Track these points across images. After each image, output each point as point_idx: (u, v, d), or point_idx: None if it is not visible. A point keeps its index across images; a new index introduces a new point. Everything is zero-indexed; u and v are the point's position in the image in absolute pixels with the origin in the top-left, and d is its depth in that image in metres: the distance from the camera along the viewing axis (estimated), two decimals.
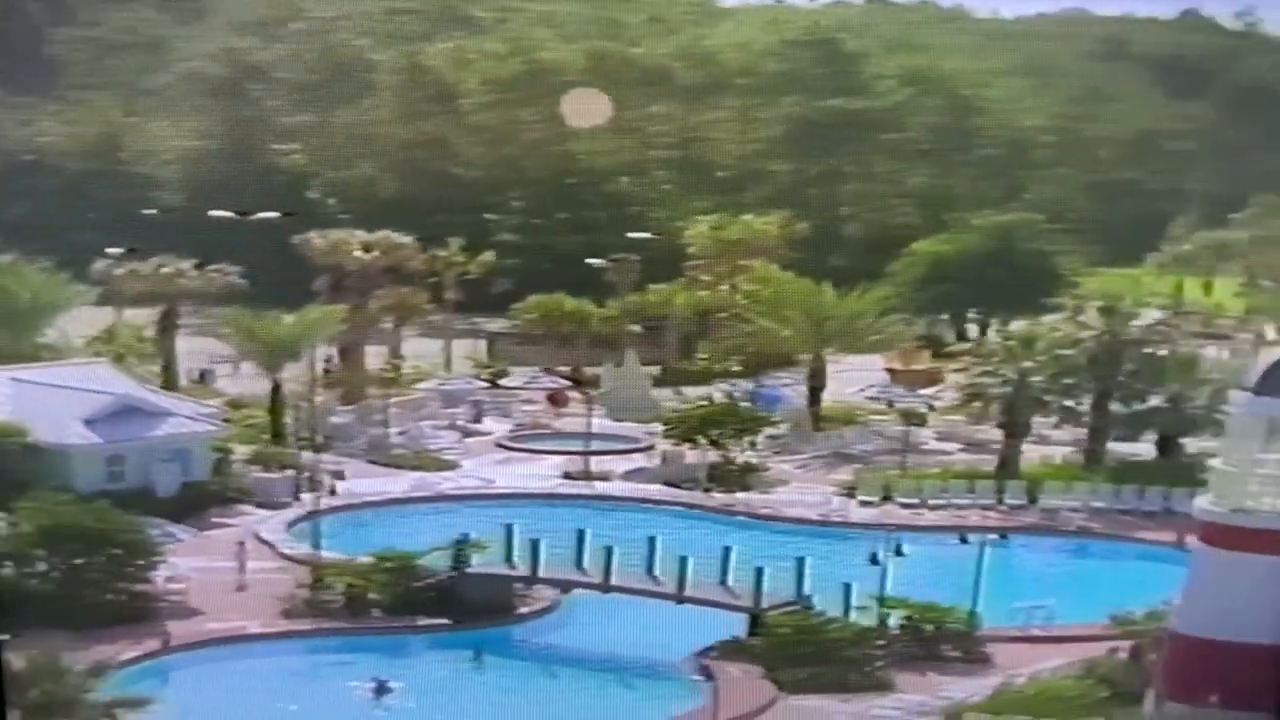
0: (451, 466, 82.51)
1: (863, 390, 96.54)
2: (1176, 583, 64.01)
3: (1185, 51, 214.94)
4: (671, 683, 56.58)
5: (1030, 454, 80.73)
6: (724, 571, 60.02)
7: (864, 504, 76.71)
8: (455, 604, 61.01)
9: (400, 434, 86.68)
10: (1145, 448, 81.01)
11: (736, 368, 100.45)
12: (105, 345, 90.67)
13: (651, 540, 61.82)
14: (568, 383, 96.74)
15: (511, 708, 54.78)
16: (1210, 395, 77.10)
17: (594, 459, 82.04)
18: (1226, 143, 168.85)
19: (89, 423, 72.70)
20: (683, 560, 59.53)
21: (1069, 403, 77.47)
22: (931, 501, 76.11)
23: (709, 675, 55.88)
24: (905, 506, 75.94)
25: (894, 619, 57.85)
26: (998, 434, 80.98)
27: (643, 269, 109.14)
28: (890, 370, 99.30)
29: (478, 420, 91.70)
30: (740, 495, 77.88)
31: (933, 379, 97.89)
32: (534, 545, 61.60)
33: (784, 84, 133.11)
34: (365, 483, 79.36)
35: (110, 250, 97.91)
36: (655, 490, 77.95)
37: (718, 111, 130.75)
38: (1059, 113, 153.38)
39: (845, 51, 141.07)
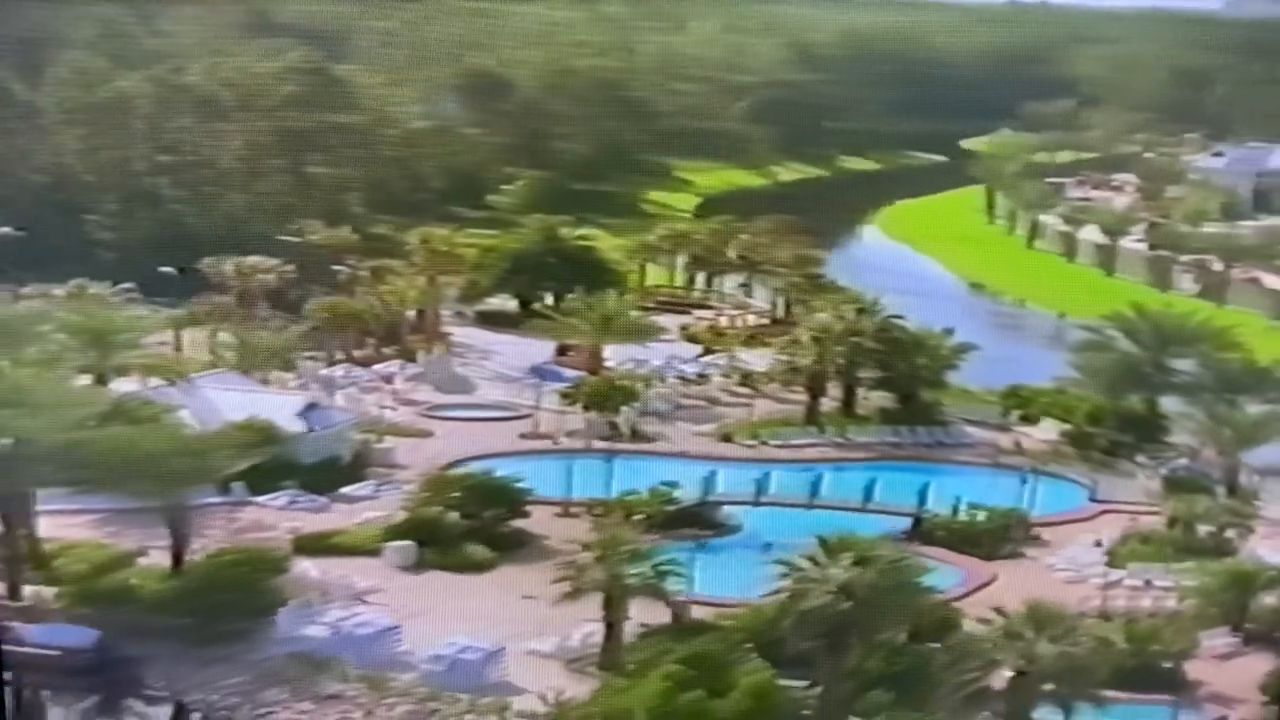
0: (428, 434, 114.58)
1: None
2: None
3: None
4: None
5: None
6: (869, 493, 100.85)
7: (748, 445, 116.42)
8: (695, 522, 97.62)
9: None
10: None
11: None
12: None
13: (819, 475, 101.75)
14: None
15: None
16: (931, 364, 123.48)
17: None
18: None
19: (299, 416, 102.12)
20: (867, 485, 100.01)
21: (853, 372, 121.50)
22: (795, 442, 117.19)
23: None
24: (780, 446, 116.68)
25: (980, 517, 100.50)
26: None
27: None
28: (562, 348, 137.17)
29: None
30: (658, 444, 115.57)
31: (595, 356, 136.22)
32: (757, 482, 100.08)
33: (284, 102, 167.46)
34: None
35: None
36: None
37: (236, 124, 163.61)
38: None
39: (332, 74, 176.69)
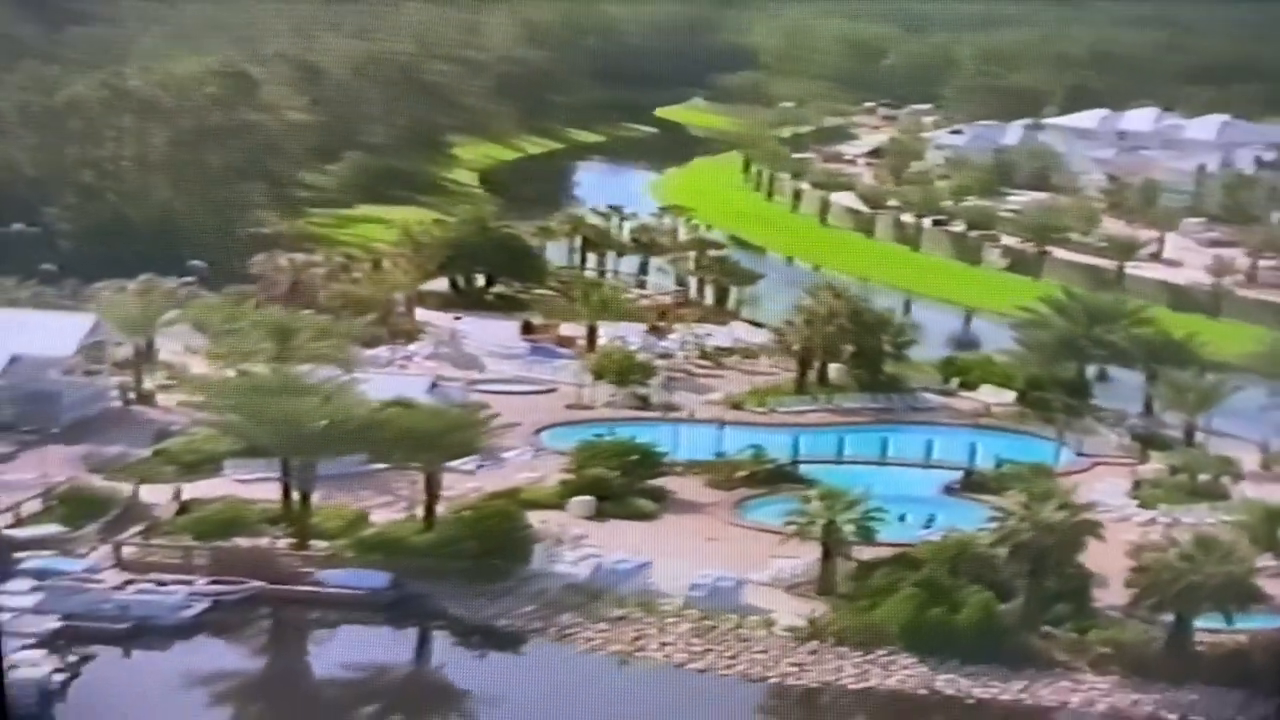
0: (486, 407, 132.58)
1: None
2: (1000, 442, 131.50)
3: None
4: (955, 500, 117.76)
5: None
6: (928, 451, 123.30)
7: (758, 412, 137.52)
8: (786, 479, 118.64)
9: None
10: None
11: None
12: None
13: (885, 439, 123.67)
14: None
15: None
16: (893, 339, 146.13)
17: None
18: None
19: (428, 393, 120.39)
20: (929, 443, 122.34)
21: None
22: (798, 408, 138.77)
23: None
24: (789, 412, 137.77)
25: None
26: None
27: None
28: (528, 325, 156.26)
29: None
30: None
31: (556, 332, 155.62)
32: (839, 442, 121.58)
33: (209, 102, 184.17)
34: None
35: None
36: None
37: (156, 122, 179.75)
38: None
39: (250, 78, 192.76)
